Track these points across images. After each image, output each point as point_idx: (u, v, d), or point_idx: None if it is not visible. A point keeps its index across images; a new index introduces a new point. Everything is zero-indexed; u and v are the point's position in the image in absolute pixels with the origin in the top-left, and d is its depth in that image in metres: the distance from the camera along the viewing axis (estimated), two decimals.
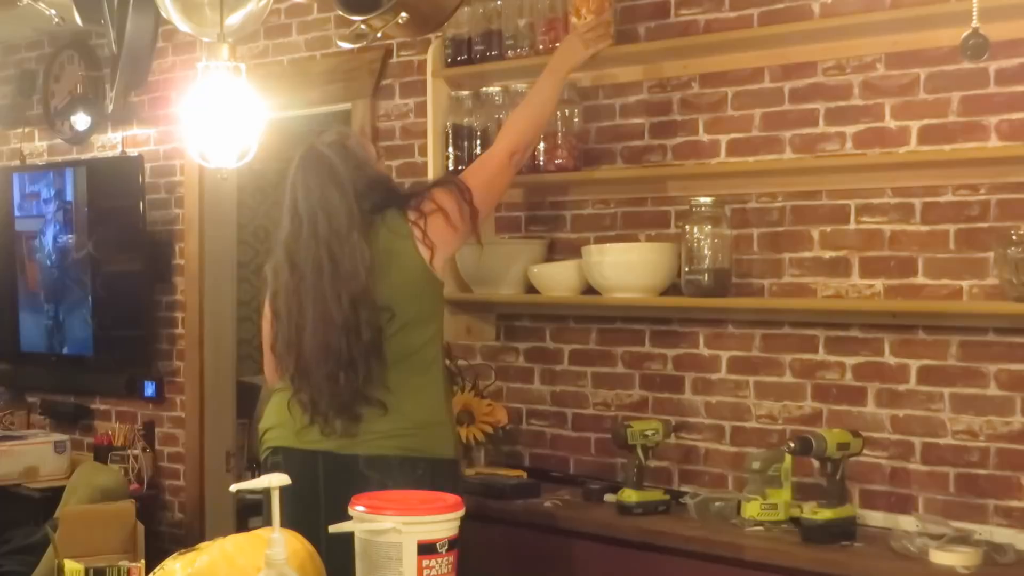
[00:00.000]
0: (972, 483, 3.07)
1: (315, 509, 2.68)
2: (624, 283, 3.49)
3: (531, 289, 3.77)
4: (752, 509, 3.12)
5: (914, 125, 3.15)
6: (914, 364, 3.17)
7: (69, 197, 5.58)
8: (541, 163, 3.68)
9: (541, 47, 3.65)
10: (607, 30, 3.44)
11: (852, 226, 3.26)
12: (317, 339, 2.93)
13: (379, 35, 3.32)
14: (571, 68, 3.41)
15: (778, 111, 3.39)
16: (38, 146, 6.02)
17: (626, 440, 3.32)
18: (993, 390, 3.04)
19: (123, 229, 5.39)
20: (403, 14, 3.17)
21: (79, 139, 5.68)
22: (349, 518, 1.94)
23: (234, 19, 3.05)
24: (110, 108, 5.16)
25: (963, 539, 2.88)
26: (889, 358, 3.21)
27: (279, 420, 3.05)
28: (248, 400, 5.56)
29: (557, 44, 3.57)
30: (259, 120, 3.11)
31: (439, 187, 3.10)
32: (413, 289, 2.99)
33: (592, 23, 3.39)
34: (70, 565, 2.40)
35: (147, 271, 5.33)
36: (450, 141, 3.85)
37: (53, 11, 4.15)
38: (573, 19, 3.46)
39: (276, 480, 1.88)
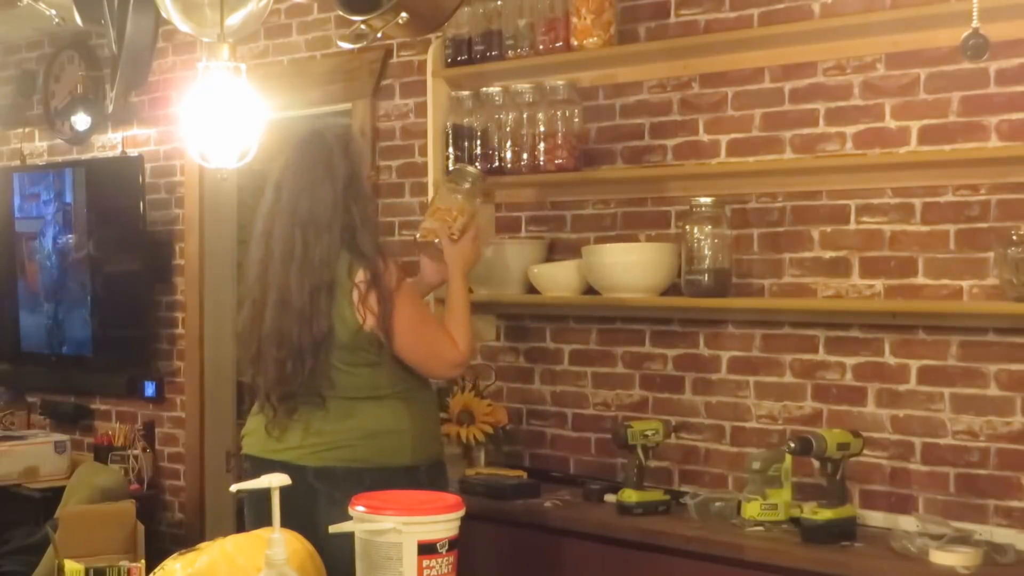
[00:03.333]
0: (972, 483, 3.07)
1: (269, 518, 2.68)
2: (624, 283, 3.49)
3: (531, 289, 3.77)
4: (752, 509, 3.12)
5: (914, 125, 3.15)
6: (914, 364, 3.17)
7: (69, 198, 5.57)
8: (541, 163, 3.67)
9: (541, 47, 3.65)
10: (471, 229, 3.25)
11: (852, 226, 3.26)
12: (273, 323, 2.91)
13: (379, 35, 3.31)
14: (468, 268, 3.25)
15: (778, 111, 3.39)
16: (38, 146, 6.02)
17: (626, 440, 3.32)
18: (993, 390, 3.04)
19: (123, 229, 5.38)
20: (403, 14, 3.16)
21: (79, 139, 5.68)
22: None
23: (234, 19, 3.04)
24: (110, 108, 5.15)
25: (963, 539, 2.88)
26: (889, 358, 3.21)
27: (251, 426, 3.07)
28: (248, 400, 5.55)
29: (558, 44, 3.58)
30: (259, 120, 3.11)
31: (376, 289, 2.90)
32: (346, 343, 2.92)
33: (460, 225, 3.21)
34: (70, 565, 2.40)
35: (147, 271, 5.33)
36: (450, 141, 3.85)
37: (53, 11, 4.15)
38: (574, 19, 3.46)
39: (276, 480, 1.89)
